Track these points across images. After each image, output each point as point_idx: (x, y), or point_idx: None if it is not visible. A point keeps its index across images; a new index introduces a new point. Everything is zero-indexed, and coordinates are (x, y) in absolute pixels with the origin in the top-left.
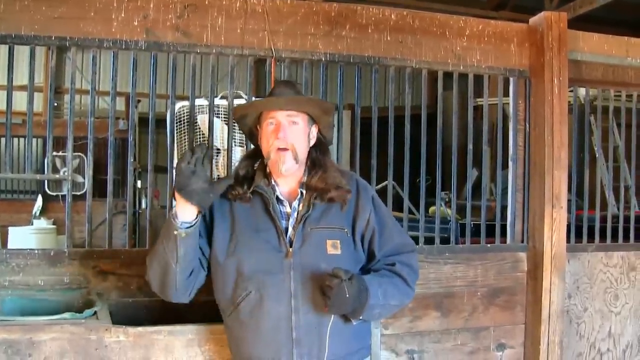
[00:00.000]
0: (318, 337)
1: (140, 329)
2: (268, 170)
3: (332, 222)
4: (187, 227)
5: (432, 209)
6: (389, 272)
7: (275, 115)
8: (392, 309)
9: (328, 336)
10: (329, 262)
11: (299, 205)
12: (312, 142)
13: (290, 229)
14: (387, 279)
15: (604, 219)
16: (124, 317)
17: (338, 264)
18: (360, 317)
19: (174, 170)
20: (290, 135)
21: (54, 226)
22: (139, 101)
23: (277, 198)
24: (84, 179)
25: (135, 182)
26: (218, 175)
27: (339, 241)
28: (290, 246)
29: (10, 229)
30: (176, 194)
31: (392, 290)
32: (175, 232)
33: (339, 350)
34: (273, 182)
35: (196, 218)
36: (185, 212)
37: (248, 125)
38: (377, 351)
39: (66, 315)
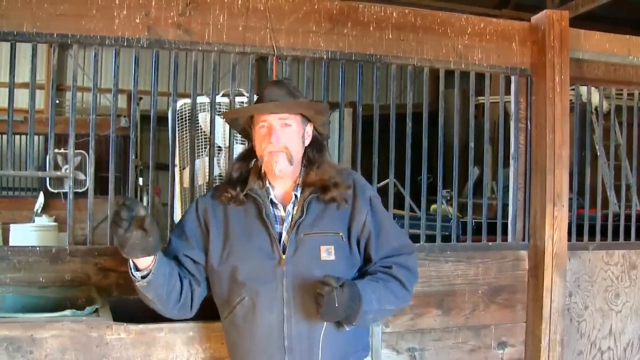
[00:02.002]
0: (310, 346)
1: (141, 326)
2: (262, 172)
3: (327, 226)
4: (145, 276)
5: (433, 207)
6: (385, 275)
7: (267, 118)
8: (387, 313)
9: (321, 344)
10: (323, 268)
11: (293, 209)
12: (308, 141)
13: (284, 234)
14: (383, 283)
15: (605, 218)
16: (125, 314)
17: (332, 270)
18: (354, 324)
19: (175, 169)
20: (283, 137)
21: (55, 223)
22: (140, 99)
23: (271, 201)
24: (86, 176)
25: (136, 179)
26: (220, 173)
27: (333, 247)
28: (284, 253)
29: (12, 226)
30: (120, 251)
31: (387, 294)
32: (137, 284)
33: (332, 357)
34: (267, 185)
35: (153, 261)
36: (140, 262)
37: (241, 125)
38: (378, 349)
39: (67, 312)
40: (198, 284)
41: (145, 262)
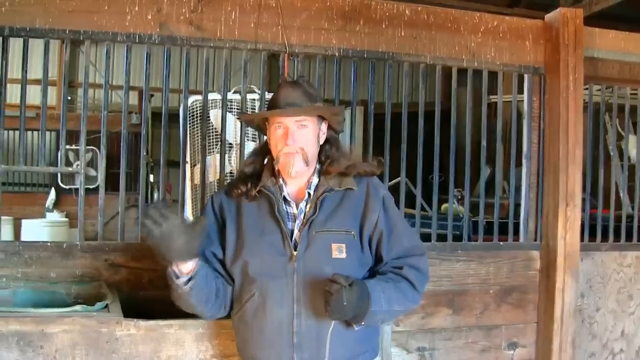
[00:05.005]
0: (319, 343)
1: (151, 322)
2: (276, 169)
3: (339, 224)
4: (189, 280)
5: (444, 206)
6: (395, 275)
7: (283, 120)
8: (396, 314)
9: (328, 342)
10: (334, 266)
11: (306, 206)
12: (323, 139)
13: (296, 231)
14: (393, 283)
15: (618, 218)
16: (135, 310)
17: (343, 268)
18: (362, 323)
19: (186, 166)
20: (299, 139)
21: (67, 219)
22: (152, 95)
23: (284, 198)
24: (97, 172)
25: (147, 176)
26: (231, 170)
27: (344, 245)
28: (295, 249)
29: (24, 222)
30: (164, 260)
31: (397, 295)
32: (180, 291)
33: (341, 355)
34: (281, 182)
35: (194, 264)
36: (183, 268)
37: (255, 123)
38: (388, 348)
39: (78, 307)
40: (229, 284)
41: (188, 267)
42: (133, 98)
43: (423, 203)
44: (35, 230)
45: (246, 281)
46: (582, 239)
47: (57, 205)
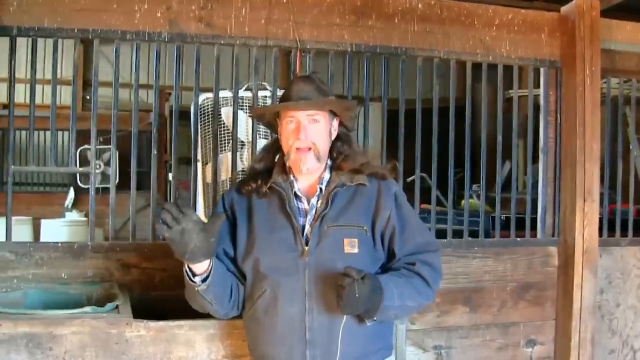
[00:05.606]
0: (330, 339)
1: (161, 323)
2: (287, 165)
3: (351, 219)
4: (205, 278)
5: (463, 202)
6: (408, 271)
7: (295, 114)
8: (409, 310)
9: (340, 337)
10: (346, 261)
11: (317, 202)
12: (334, 135)
13: (307, 227)
14: (405, 279)
15: (638, 213)
16: (146, 311)
17: (355, 263)
18: (375, 318)
19: (197, 164)
20: (311, 134)
21: (86, 219)
22: (169, 94)
23: (295, 194)
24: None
25: (166, 175)
26: (243, 169)
27: (356, 240)
28: (307, 245)
29: (43, 222)
30: (180, 259)
31: (410, 291)
32: (197, 289)
33: (352, 352)
34: (292, 178)
35: (210, 263)
36: (198, 266)
37: (266, 119)
38: (403, 347)
39: (87, 309)
40: (241, 283)
41: (204, 266)
42: (151, 97)
43: (440, 196)
44: (54, 230)
45: (257, 278)
46: (600, 234)
47: (76, 204)
